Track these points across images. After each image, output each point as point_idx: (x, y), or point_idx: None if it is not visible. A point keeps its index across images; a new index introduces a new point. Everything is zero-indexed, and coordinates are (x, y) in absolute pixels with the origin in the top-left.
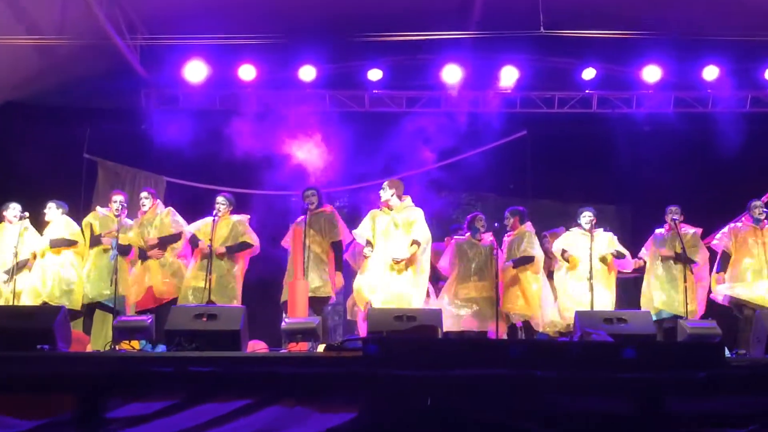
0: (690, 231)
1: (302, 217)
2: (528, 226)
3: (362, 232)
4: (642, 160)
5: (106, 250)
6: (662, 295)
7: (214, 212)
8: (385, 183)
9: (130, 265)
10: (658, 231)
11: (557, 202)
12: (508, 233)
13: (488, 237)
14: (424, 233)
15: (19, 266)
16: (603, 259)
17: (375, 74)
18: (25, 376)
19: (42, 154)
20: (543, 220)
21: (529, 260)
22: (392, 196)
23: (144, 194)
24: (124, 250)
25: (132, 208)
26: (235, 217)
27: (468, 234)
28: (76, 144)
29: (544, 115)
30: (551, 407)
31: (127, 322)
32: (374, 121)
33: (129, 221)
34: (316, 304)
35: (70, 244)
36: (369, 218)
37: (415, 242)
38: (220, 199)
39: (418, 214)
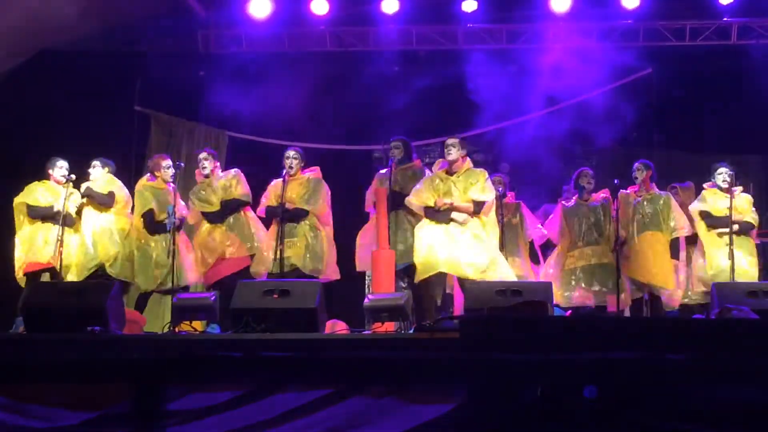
0: None
1: (385, 170)
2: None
3: None
4: None
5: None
6: None
7: (285, 170)
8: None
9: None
10: None
11: (688, 152)
12: (635, 187)
13: (599, 195)
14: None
15: (67, 223)
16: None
17: (469, 5)
18: (74, 362)
19: (86, 107)
20: (671, 175)
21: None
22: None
23: (204, 155)
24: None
25: (189, 169)
26: (309, 174)
27: (575, 196)
28: (125, 95)
29: (673, 49)
30: (687, 397)
31: (187, 300)
32: (469, 61)
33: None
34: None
35: (104, 202)
36: None
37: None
38: (290, 153)
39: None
